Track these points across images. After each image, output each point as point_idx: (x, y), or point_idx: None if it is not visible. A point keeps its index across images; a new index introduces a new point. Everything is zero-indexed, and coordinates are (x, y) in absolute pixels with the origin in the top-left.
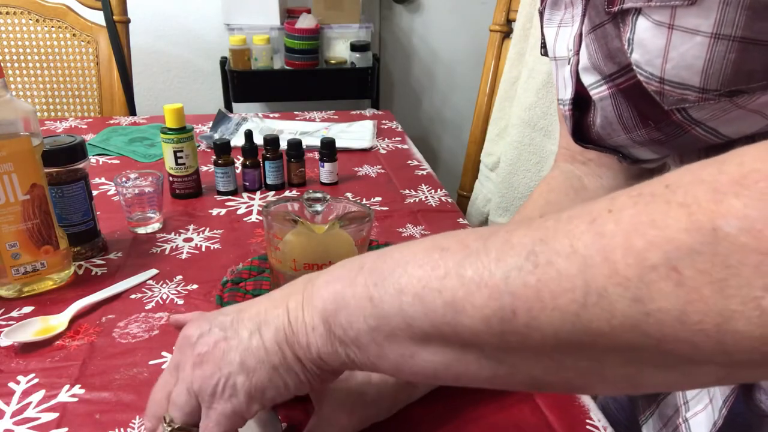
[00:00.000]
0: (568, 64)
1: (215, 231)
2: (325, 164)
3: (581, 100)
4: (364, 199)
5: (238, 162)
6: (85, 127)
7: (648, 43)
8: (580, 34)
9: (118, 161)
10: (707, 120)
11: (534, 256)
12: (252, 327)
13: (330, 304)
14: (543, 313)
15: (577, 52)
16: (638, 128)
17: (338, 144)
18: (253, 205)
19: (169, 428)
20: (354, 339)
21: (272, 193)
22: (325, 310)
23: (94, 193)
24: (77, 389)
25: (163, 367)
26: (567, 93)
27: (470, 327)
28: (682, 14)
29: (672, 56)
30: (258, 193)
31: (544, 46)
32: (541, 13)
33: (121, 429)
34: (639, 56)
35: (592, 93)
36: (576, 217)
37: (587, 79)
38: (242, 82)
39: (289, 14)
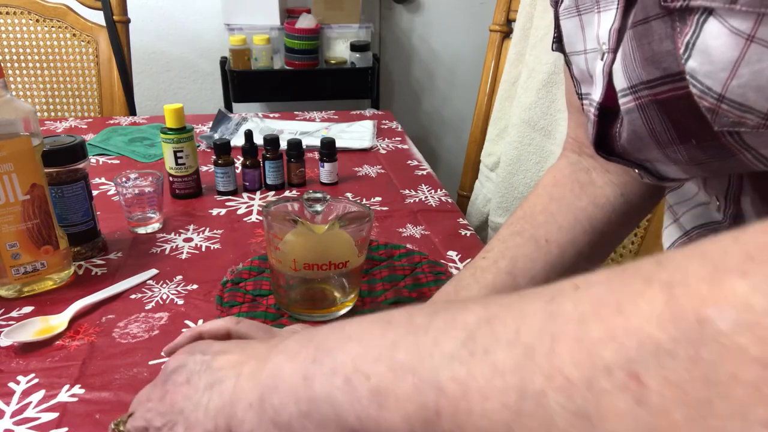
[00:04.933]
0: (601, 59)
1: (215, 231)
2: (325, 164)
3: (608, 107)
4: (364, 199)
5: (238, 162)
6: (85, 127)
7: (714, 53)
8: (620, 29)
9: (118, 161)
10: (761, 146)
11: (472, 342)
12: (211, 380)
13: (269, 380)
14: (469, 420)
15: (614, 50)
16: (675, 144)
17: (338, 144)
18: (253, 205)
19: (113, 425)
20: (286, 425)
21: (272, 193)
22: (265, 386)
23: (94, 193)
24: (77, 389)
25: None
26: (596, 93)
27: (392, 427)
28: None
29: (742, 72)
30: (258, 193)
31: (558, 40)
32: (556, 3)
33: None
34: (698, 65)
35: (619, 102)
36: (539, 293)
37: (618, 83)
38: (242, 82)
39: (289, 14)
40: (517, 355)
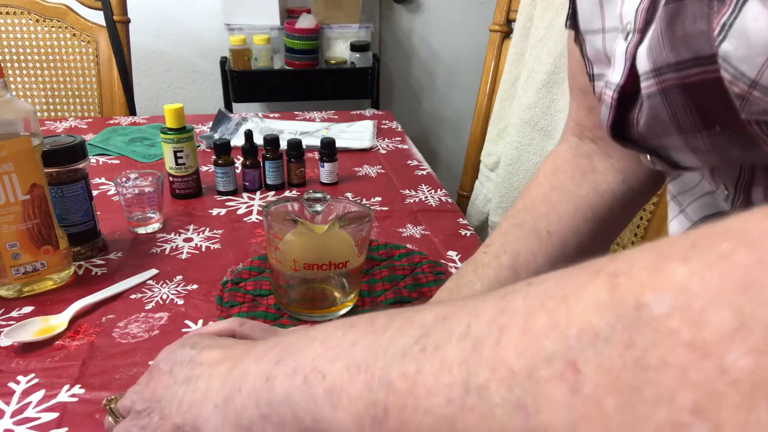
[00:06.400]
0: (624, 40)
1: (215, 231)
2: (325, 164)
3: (626, 92)
4: (364, 199)
5: (238, 162)
6: (85, 127)
7: (753, 36)
8: (649, 8)
9: (118, 161)
10: None
11: (425, 338)
12: (189, 375)
13: (235, 381)
14: (414, 416)
15: (642, 30)
16: (698, 131)
17: (338, 144)
18: (253, 205)
19: (105, 401)
20: (247, 428)
21: (272, 193)
22: (230, 388)
23: (94, 193)
24: (77, 389)
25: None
26: (616, 75)
27: (344, 427)
28: None
29: None
30: (258, 193)
31: (572, 17)
32: None
33: None
34: (732, 48)
35: (641, 85)
36: (496, 292)
37: (641, 66)
38: (242, 82)
39: (289, 14)
40: (465, 349)
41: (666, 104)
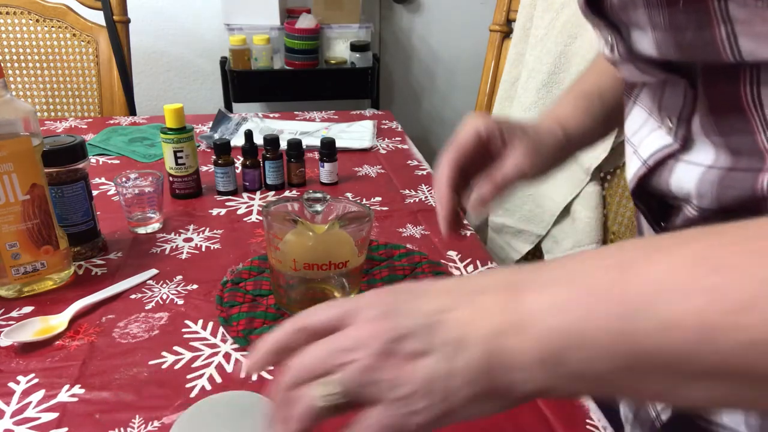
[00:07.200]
0: None
1: (215, 231)
2: (325, 164)
3: None
4: (364, 199)
5: (238, 162)
6: (85, 127)
7: None
8: None
9: (118, 161)
10: (739, 22)
11: None
12: (452, 343)
13: (558, 341)
14: None
15: None
16: (662, 7)
17: (338, 144)
18: (253, 205)
19: (321, 394)
20: (594, 378)
21: (272, 193)
22: (550, 347)
23: (94, 193)
24: (77, 389)
25: (164, 367)
26: None
27: None
28: None
29: None
30: (258, 193)
31: None
32: None
33: (121, 429)
34: None
35: None
36: None
37: None
38: (242, 82)
39: (289, 14)
40: None
41: None
